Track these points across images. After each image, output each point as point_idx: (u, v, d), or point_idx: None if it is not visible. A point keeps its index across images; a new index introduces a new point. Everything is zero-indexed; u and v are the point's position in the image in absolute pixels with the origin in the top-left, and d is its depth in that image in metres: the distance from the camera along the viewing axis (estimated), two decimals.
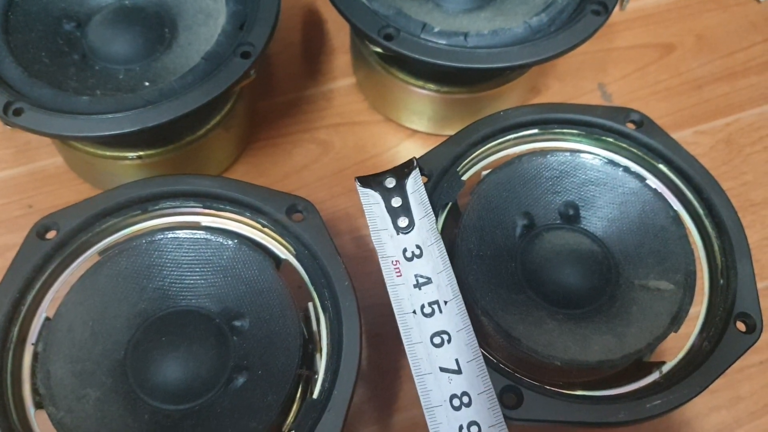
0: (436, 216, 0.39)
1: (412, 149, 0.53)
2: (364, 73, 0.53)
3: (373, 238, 0.38)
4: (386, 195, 0.39)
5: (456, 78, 0.47)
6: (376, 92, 0.53)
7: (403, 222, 0.38)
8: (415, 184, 0.39)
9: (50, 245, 0.37)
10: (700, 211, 0.40)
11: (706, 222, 0.39)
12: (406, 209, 0.38)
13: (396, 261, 0.37)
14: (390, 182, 0.40)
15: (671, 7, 0.59)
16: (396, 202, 0.39)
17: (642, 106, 0.54)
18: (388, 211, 0.39)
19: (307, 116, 0.54)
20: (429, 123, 0.52)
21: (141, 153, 0.44)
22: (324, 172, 0.51)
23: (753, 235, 0.48)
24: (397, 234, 0.38)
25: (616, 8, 0.57)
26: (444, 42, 0.43)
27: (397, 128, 0.53)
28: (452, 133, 0.52)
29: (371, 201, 0.39)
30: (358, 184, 0.40)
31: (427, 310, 0.35)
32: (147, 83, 0.42)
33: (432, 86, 0.48)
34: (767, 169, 0.52)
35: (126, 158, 0.45)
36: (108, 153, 0.44)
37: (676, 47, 0.57)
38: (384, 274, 0.37)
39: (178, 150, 0.45)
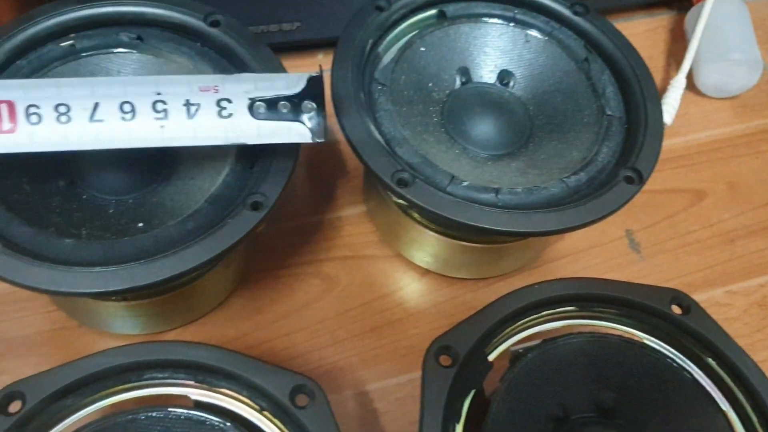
0: (461, 404, 0.34)
1: (424, 290, 0.48)
2: (377, 204, 0.49)
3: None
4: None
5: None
6: (387, 226, 0.49)
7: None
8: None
9: (13, 421, 0.32)
10: (753, 416, 0.35)
11: (759, 428, 0.35)
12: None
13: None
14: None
15: (702, 149, 0.56)
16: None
17: (671, 258, 0.51)
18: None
19: (312, 246, 0.49)
20: (444, 266, 0.48)
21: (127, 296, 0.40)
22: (327, 312, 0.46)
23: None
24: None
25: None
26: (473, 197, 0.39)
27: (409, 265, 0.49)
28: (467, 276, 0.48)
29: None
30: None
31: None
32: (140, 224, 0.37)
33: (452, 233, 0.44)
34: None
35: (109, 298, 0.40)
36: None
37: (707, 194, 0.54)
38: None
39: (170, 291, 0.41)
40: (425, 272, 0.49)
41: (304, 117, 0.37)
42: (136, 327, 0.44)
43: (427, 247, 0.46)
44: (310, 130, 0.37)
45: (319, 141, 0.37)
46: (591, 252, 0.51)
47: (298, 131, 0.37)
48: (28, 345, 0.43)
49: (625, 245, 0.52)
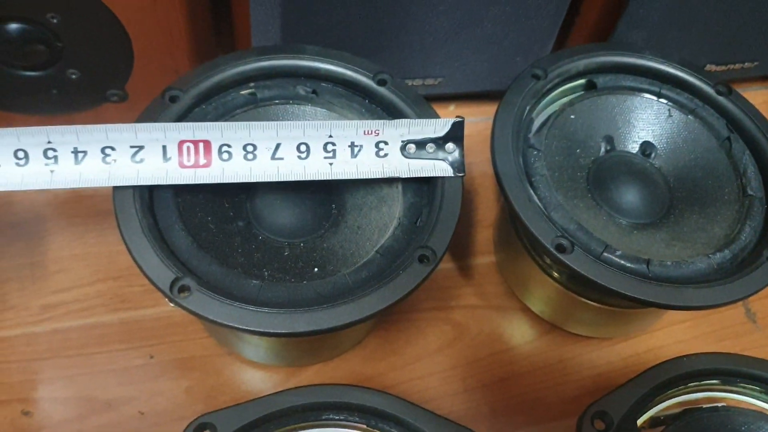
0: None
1: (551, 346, 0.50)
2: (508, 257, 0.51)
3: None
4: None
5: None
6: (519, 280, 0.51)
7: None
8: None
9: None
10: None
11: None
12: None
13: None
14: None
15: None
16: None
17: None
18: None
19: (443, 293, 0.51)
20: (573, 323, 0.50)
21: None
22: (458, 359, 0.49)
23: None
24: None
25: None
26: (626, 267, 0.41)
27: (535, 319, 0.51)
28: (593, 335, 0.50)
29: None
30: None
31: None
32: (316, 269, 0.40)
33: (592, 296, 0.46)
34: None
35: None
36: None
37: None
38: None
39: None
40: (551, 327, 0.51)
41: (447, 156, 0.42)
42: (284, 360, 0.46)
43: (560, 306, 0.48)
44: (452, 166, 0.42)
45: (459, 175, 0.42)
46: (708, 319, 0.52)
47: (441, 168, 0.42)
48: (181, 369, 0.46)
49: (742, 314, 0.53)
